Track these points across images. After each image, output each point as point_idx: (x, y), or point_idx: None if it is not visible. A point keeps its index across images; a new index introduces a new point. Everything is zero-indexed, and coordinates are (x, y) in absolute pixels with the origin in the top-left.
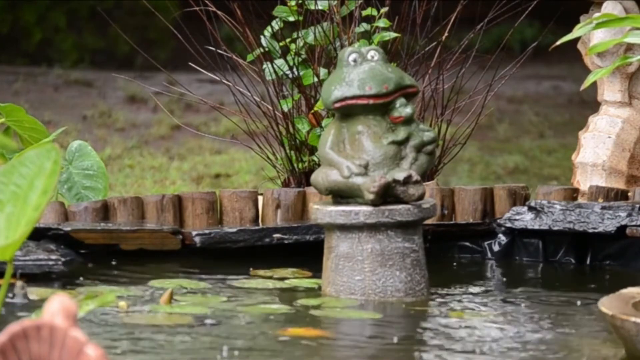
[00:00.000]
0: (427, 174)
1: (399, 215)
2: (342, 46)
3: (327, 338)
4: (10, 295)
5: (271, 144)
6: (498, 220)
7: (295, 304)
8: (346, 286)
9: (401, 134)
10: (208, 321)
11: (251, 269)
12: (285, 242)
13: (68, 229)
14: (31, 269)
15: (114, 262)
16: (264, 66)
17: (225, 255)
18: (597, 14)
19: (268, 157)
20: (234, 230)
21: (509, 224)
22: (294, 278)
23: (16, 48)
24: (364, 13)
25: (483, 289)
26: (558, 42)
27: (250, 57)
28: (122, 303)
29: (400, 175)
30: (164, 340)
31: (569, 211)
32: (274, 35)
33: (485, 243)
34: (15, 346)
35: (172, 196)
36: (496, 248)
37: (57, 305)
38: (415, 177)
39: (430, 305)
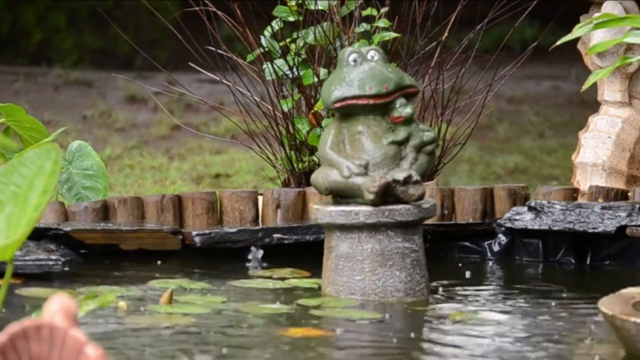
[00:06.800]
0: (427, 174)
1: (399, 215)
2: (342, 46)
3: (327, 338)
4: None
5: (271, 144)
6: (498, 220)
7: (295, 304)
8: (346, 286)
9: (401, 134)
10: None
11: (251, 269)
12: (285, 242)
13: (68, 229)
14: (31, 269)
15: (107, 262)
16: (264, 66)
17: (225, 255)
18: (597, 14)
19: (268, 157)
20: (234, 230)
21: (509, 224)
22: (294, 278)
23: (16, 48)
24: (364, 13)
25: (483, 289)
26: (558, 42)
27: (250, 57)
28: (122, 303)
29: (400, 175)
30: (163, 340)
31: (569, 211)
32: (274, 35)
33: (485, 243)
34: (15, 346)
35: (172, 196)
36: (496, 248)
37: (57, 305)
38: (415, 177)
39: (430, 305)
